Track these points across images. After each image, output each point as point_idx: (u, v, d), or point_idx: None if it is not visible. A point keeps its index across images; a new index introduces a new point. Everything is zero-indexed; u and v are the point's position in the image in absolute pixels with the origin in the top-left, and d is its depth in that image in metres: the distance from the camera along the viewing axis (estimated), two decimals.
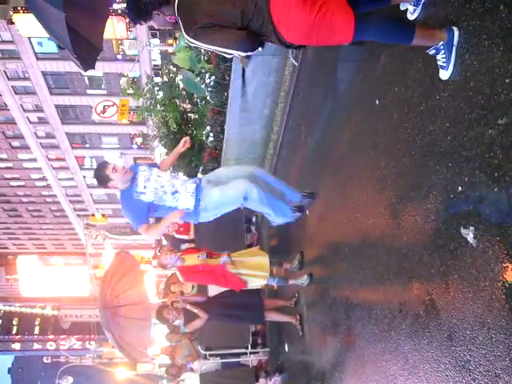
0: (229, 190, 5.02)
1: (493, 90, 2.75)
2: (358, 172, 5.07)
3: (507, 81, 2.62)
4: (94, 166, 43.01)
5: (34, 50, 32.35)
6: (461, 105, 3.08)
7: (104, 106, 19.36)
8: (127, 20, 16.62)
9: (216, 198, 5.01)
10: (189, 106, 12.48)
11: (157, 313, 8.19)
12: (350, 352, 5.33)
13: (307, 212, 7.05)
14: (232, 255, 7.15)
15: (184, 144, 5.50)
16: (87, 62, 5.50)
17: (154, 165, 5.36)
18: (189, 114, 12.32)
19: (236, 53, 3.32)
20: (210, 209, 5.06)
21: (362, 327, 4.89)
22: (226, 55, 3.41)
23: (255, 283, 7.14)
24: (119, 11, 17.88)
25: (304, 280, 7.03)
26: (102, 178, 4.99)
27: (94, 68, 5.75)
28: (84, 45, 5.15)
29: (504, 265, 2.60)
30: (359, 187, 5.00)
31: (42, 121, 38.79)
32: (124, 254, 10.86)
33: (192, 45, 3.39)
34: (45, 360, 56.13)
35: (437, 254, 3.32)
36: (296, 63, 7.93)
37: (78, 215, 48.05)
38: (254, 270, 7.06)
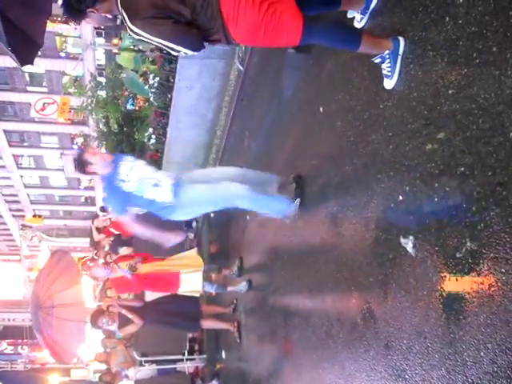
0: (218, 188, 4.71)
1: (436, 101, 2.76)
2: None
3: (450, 92, 2.64)
4: (32, 166, 41.98)
5: None
6: (404, 114, 3.09)
7: (44, 104, 18.85)
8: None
9: (200, 195, 4.74)
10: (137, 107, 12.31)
11: (91, 319, 7.98)
12: (287, 359, 5.31)
13: (247, 217, 7.02)
14: (168, 259, 7.14)
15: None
16: (24, 57, 5.25)
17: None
18: (132, 115, 12.13)
19: (183, 50, 3.21)
20: (188, 205, 4.82)
21: (299, 335, 4.87)
22: (172, 51, 3.26)
23: (190, 281, 7.05)
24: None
25: (242, 286, 6.99)
26: (80, 163, 4.81)
27: (32, 64, 5.50)
28: (22, 39, 4.90)
29: (442, 274, 2.61)
30: None
31: None
32: (61, 253, 10.54)
33: (136, 36, 3.20)
34: None
35: (376, 262, 3.32)
36: (242, 68, 7.91)
37: (14, 215, 46.65)
38: (185, 265, 7.08)
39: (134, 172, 4.77)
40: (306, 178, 4.88)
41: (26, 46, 5.21)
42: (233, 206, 4.79)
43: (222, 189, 4.70)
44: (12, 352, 50.77)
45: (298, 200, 4.78)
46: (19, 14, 4.88)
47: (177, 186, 4.75)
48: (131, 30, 3.17)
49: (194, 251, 7.88)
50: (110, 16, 3.35)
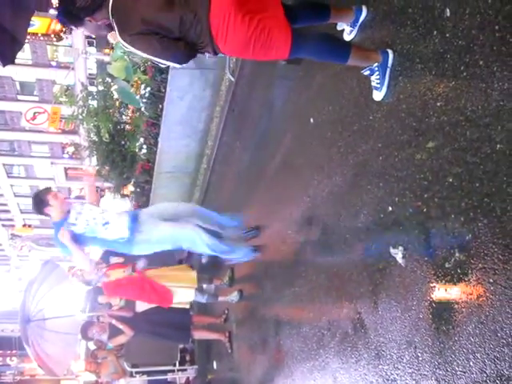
0: (180, 230, 5.10)
1: (424, 113, 2.80)
2: (291, 189, 5.08)
3: (438, 104, 2.68)
4: (22, 175, 41.76)
5: None
6: (393, 126, 3.13)
7: (34, 113, 18.82)
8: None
9: (163, 233, 5.09)
10: (128, 116, 12.32)
11: (82, 330, 7.96)
12: (278, 370, 5.30)
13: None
14: (160, 270, 7.08)
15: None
16: (7, 57, 5.19)
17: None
18: (123, 125, 12.12)
19: (171, 64, 3.26)
20: (150, 242, 5.12)
21: (290, 345, 4.87)
22: (160, 64, 3.34)
23: (183, 296, 7.01)
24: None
25: (234, 297, 6.98)
26: (40, 201, 5.05)
27: (13, 63, 5.46)
28: (4, 37, 4.85)
29: (431, 285, 2.63)
30: (291, 204, 5.01)
31: None
32: (52, 265, 10.44)
33: (127, 49, 3.30)
34: None
35: (366, 272, 3.34)
36: (233, 79, 7.93)
37: (4, 225, 46.36)
38: (180, 281, 7.00)
39: (82, 214, 5.06)
40: (294, 189, 4.92)
41: (9, 45, 5.13)
42: (193, 248, 5.21)
43: (186, 233, 5.09)
44: (0, 363, 50.16)
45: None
46: (2, 11, 4.80)
47: (133, 222, 5.10)
48: (121, 43, 3.23)
49: (190, 271, 7.66)
50: (106, 24, 3.38)
